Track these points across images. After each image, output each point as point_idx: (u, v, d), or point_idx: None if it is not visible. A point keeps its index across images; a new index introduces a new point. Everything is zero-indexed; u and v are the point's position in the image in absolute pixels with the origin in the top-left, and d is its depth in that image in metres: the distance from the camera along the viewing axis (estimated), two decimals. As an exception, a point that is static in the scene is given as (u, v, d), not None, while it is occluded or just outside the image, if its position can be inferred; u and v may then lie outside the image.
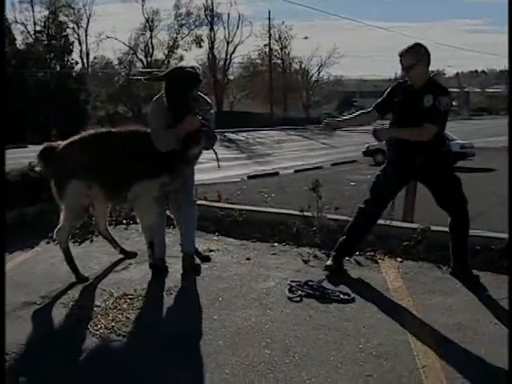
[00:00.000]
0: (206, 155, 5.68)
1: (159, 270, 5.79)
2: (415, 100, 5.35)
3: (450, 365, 3.89)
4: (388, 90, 5.71)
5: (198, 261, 6.05)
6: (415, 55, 5.37)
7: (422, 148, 5.34)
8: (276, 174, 22.36)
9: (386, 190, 5.66)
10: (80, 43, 65.12)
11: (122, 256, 6.27)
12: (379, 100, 5.76)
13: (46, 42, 55.80)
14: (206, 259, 6.17)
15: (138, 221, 5.97)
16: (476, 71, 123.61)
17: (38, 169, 7.77)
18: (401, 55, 5.44)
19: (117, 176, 5.39)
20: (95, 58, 69.51)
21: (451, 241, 5.57)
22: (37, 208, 7.68)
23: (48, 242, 6.88)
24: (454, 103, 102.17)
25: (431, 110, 5.29)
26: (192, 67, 5.41)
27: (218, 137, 5.92)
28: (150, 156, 5.34)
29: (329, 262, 5.79)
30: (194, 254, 5.98)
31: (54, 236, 5.77)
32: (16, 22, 56.94)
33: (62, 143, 5.62)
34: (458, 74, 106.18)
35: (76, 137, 5.60)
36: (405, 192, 7.84)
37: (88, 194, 5.49)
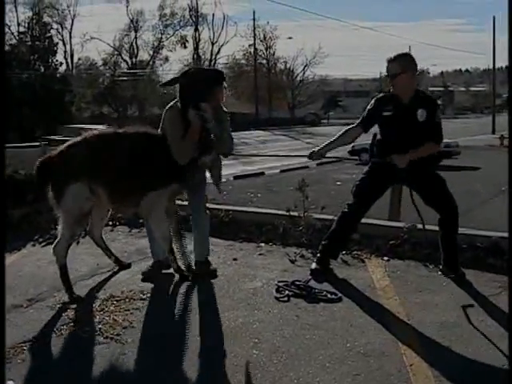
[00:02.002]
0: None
1: (184, 275, 5.63)
2: (407, 114, 5.37)
3: (438, 362, 3.90)
4: (372, 103, 5.67)
5: (214, 266, 5.91)
6: (401, 64, 5.39)
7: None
8: (262, 173, 22.36)
9: (369, 192, 5.65)
10: (64, 44, 64.85)
11: (108, 258, 6.24)
12: (363, 116, 5.70)
13: (29, 43, 55.46)
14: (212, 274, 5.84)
15: (154, 232, 5.59)
16: (460, 70, 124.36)
17: (22, 171, 7.75)
18: (388, 62, 5.46)
19: (127, 183, 5.14)
20: (80, 59, 69.16)
21: (440, 238, 5.59)
22: (22, 210, 7.65)
23: (34, 245, 6.86)
24: (438, 102, 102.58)
25: (433, 126, 5.40)
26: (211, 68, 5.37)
27: (233, 140, 5.77)
28: (162, 162, 5.16)
29: (314, 266, 5.78)
30: (205, 259, 5.87)
31: (52, 250, 5.35)
32: (-1, 23, 56.62)
33: (60, 147, 5.34)
34: (442, 72, 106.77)
35: (78, 137, 5.34)
36: (390, 191, 7.86)
37: (90, 199, 5.20)
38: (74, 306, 5.03)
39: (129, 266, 6.07)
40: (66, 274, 5.32)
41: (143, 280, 5.59)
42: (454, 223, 5.49)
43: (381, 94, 5.74)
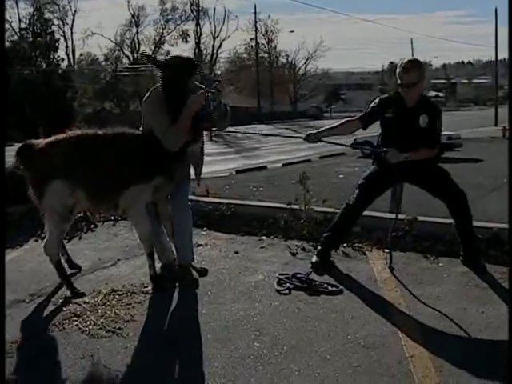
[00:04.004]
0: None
1: (160, 283, 5.33)
2: (410, 119, 5.39)
3: (438, 354, 3.91)
4: (376, 102, 5.69)
5: (195, 274, 5.59)
6: (419, 74, 5.40)
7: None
8: (264, 167, 22.32)
9: (373, 188, 5.70)
10: (66, 40, 64.98)
11: (110, 252, 6.26)
12: (365, 112, 5.73)
13: (31, 40, 55.47)
14: (202, 273, 5.66)
15: (134, 231, 5.49)
16: (462, 62, 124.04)
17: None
18: (404, 71, 5.39)
19: (105, 182, 5.06)
20: (81, 54, 69.35)
21: (456, 229, 5.63)
22: (24, 207, 7.65)
23: (36, 240, 6.87)
24: (441, 94, 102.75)
25: (432, 132, 5.44)
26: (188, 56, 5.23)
27: (228, 111, 5.27)
28: (140, 158, 5.05)
29: (314, 259, 5.80)
30: (190, 263, 5.59)
31: (43, 250, 5.28)
32: (0, 19, 56.57)
33: (43, 140, 5.26)
34: (444, 65, 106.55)
35: (61, 135, 5.23)
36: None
37: (71, 195, 5.08)
38: (76, 300, 5.04)
39: (80, 269, 5.86)
40: (64, 271, 5.30)
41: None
42: (465, 211, 5.50)
43: (386, 95, 5.76)
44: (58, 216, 5.13)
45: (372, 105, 5.72)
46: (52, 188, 5.03)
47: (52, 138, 5.24)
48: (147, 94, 5.23)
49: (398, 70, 5.45)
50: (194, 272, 5.58)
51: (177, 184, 5.32)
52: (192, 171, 5.56)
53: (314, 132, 5.86)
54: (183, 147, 5.04)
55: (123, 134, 5.29)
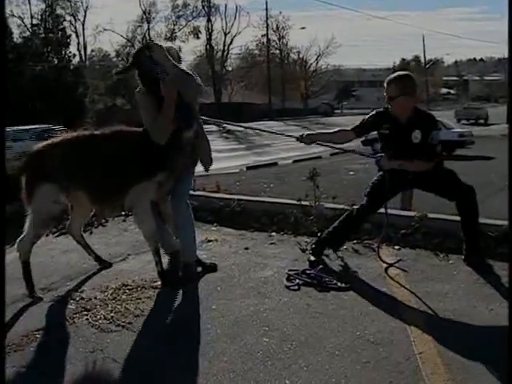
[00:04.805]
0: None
1: (168, 279, 5.31)
2: (402, 135, 5.41)
3: (447, 351, 3.91)
4: (372, 115, 5.69)
5: (199, 269, 5.60)
6: (399, 87, 5.40)
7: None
8: (275, 164, 22.38)
9: (380, 195, 5.69)
10: (77, 36, 65.03)
11: (120, 247, 6.28)
12: (359, 124, 5.75)
13: (43, 36, 55.60)
14: (212, 268, 5.68)
15: (139, 228, 5.43)
16: (475, 59, 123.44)
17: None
18: (386, 84, 5.48)
19: (105, 182, 5.04)
20: (93, 50, 69.50)
21: (461, 225, 5.60)
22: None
23: (47, 235, 6.89)
24: (452, 91, 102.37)
25: (426, 147, 5.40)
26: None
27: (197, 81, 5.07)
28: (140, 155, 5.01)
29: (312, 258, 5.78)
30: (194, 261, 5.55)
31: (16, 246, 5.22)
32: (13, 15, 56.77)
33: (42, 144, 5.26)
34: (456, 62, 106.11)
35: (55, 139, 5.25)
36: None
37: (57, 202, 5.13)
38: (87, 294, 5.07)
39: (110, 265, 5.88)
40: (29, 271, 5.18)
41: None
42: (473, 207, 5.47)
43: (382, 109, 5.72)
44: (40, 220, 5.15)
45: (368, 117, 5.74)
46: (41, 191, 5.03)
47: (47, 141, 5.22)
48: (137, 88, 5.22)
49: None
50: (198, 268, 5.60)
51: (177, 180, 5.28)
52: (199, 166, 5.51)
53: (307, 133, 5.89)
54: (178, 136, 4.98)
55: (120, 132, 5.27)
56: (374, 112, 5.73)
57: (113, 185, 5.05)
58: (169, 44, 5.25)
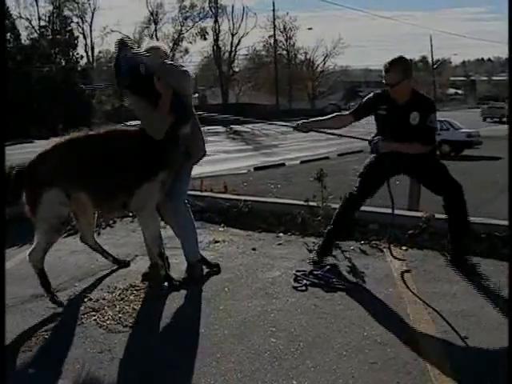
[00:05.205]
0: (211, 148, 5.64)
1: (173, 282, 5.28)
2: (400, 116, 5.36)
3: (454, 351, 3.92)
4: (371, 97, 5.67)
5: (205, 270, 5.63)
6: (402, 71, 5.33)
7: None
8: (282, 165, 22.37)
9: (370, 181, 5.69)
10: (85, 37, 65.06)
11: (128, 248, 6.30)
12: (357, 106, 5.76)
13: (50, 37, 55.82)
14: (215, 267, 5.69)
15: (143, 233, 5.41)
16: (482, 59, 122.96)
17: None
18: (385, 71, 5.37)
19: (107, 182, 4.96)
20: (100, 52, 69.47)
21: (448, 225, 5.57)
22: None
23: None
24: (460, 92, 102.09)
25: (424, 129, 5.35)
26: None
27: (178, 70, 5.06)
28: (140, 155, 4.97)
29: (314, 257, 5.79)
30: (197, 262, 5.55)
31: (27, 257, 5.08)
32: (20, 17, 56.95)
33: (34, 156, 5.09)
34: (464, 62, 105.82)
35: (51, 144, 5.13)
36: (410, 181, 7.87)
37: (65, 204, 4.97)
38: (95, 295, 5.09)
39: (128, 264, 5.92)
40: (46, 279, 5.08)
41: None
42: (461, 206, 5.42)
43: (380, 90, 5.67)
44: (49, 226, 4.99)
45: (366, 98, 5.72)
46: (46, 198, 4.88)
47: (42, 150, 5.09)
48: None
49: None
50: (202, 267, 5.62)
51: (174, 180, 5.22)
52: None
53: (303, 121, 5.91)
54: (175, 132, 4.97)
55: (116, 131, 5.25)
56: (371, 94, 5.70)
57: (113, 186, 5.01)
58: (151, 44, 5.25)
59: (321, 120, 5.96)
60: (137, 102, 5.13)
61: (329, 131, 6.20)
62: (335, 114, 5.98)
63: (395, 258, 5.68)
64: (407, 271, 5.50)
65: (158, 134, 4.91)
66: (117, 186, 5.02)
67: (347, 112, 5.87)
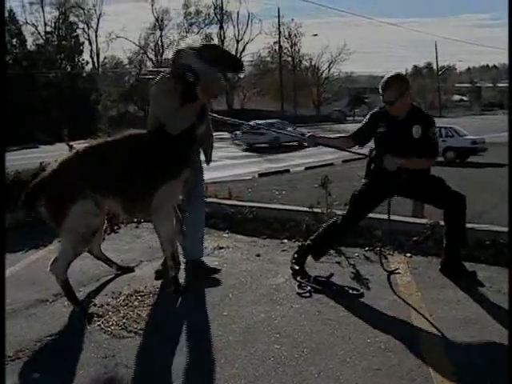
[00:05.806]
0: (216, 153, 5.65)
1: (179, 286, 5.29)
2: (402, 131, 5.31)
3: (458, 358, 3.91)
4: (367, 118, 5.66)
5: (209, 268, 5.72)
6: (399, 89, 5.31)
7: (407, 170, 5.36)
8: (287, 171, 22.38)
9: (365, 203, 5.66)
10: (90, 43, 65.41)
11: (133, 253, 6.31)
12: (357, 129, 5.72)
13: (56, 43, 56.04)
14: (214, 271, 5.73)
15: (158, 233, 5.31)
16: (487, 66, 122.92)
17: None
18: (383, 90, 5.36)
19: (136, 186, 4.93)
20: (105, 57, 69.77)
21: (445, 234, 5.52)
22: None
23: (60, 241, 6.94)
24: (465, 98, 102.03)
25: (428, 142, 5.34)
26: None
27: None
28: (163, 155, 4.94)
29: (296, 267, 5.74)
30: (198, 261, 5.66)
31: (49, 268, 4.97)
32: (26, 23, 57.29)
33: (51, 166, 5.05)
34: (469, 68, 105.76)
35: (70, 154, 5.10)
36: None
37: (97, 214, 4.90)
38: (100, 300, 5.10)
39: (132, 269, 5.91)
40: (71, 290, 5.02)
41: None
42: (462, 214, 5.37)
43: (376, 109, 5.67)
44: (79, 237, 4.89)
45: (364, 121, 5.70)
46: (77, 209, 4.76)
47: (61, 159, 5.00)
48: (158, 79, 5.31)
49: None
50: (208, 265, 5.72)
51: (193, 177, 5.33)
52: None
53: (311, 134, 5.93)
54: (192, 131, 5.03)
55: (133, 135, 5.19)
56: (368, 115, 5.69)
57: (140, 188, 4.98)
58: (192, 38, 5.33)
59: (329, 138, 6.04)
60: (170, 94, 5.05)
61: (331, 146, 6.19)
62: (339, 135, 5.99)
63: (385, 270, 5.65)
64: (397, 272, 5.57)
65: (178, 129, 4.94)
66: (143, 188, 5.00)
67: (348, 134, 5.84)
